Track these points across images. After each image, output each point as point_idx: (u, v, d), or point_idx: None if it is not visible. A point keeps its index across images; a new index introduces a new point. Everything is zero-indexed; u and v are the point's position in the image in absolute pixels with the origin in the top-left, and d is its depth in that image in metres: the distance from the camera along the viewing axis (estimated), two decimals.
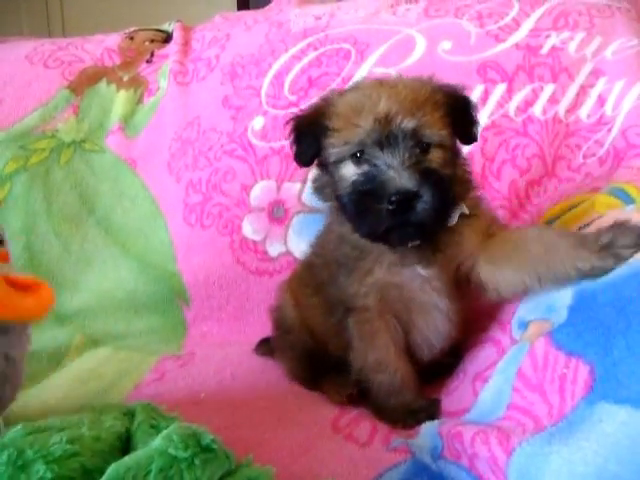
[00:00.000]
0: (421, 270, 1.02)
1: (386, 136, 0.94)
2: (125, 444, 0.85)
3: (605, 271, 0.87)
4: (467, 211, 1.02)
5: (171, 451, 0.71)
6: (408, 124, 0.94)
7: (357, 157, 0.98)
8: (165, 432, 0.76)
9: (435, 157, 0.97)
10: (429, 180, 0.92)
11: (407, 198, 0.90)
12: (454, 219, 1.01)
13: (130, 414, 0.91)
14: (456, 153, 1.06)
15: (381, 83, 1.02)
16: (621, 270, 0.84)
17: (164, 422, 0.87)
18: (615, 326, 0.73)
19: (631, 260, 0.85)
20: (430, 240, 1.00)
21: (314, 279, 1.20)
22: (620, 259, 0.87)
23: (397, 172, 0.91)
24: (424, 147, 0.96)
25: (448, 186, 0.96)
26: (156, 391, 1.26)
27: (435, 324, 1.08)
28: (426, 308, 1.06)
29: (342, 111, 0.99)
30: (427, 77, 1.06)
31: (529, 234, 1.02)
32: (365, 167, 0.96)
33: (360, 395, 1.13)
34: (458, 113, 1.01)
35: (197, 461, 0.71)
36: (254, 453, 0.83)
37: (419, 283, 1.04)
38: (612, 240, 0.89)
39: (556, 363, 0.79)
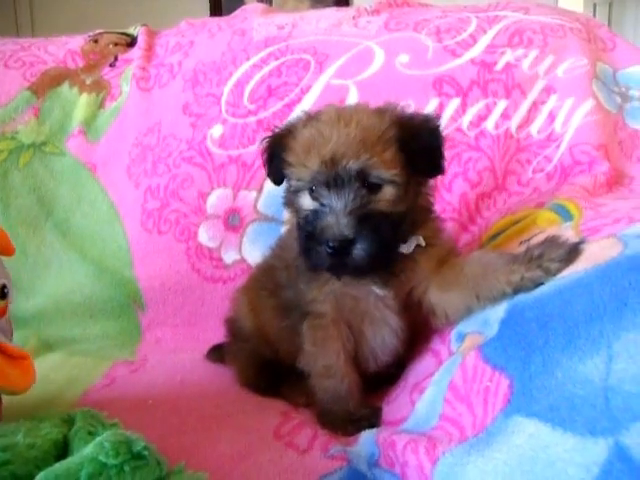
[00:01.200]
0: (376, 289, 1.06)
1: (333, 178, 0.96)
2: (62, 451, 0.85)
3: (535, 283, 0.91)
4: (423, 243, 1.05)
5: (101, 458, 0.73)
6: (353, 166, 0.95)
7: (312, 191, 1.01)
8: (97, 439, 0.77)
9: (385, 196, 0.98)
10: (366, 226, 0.95)
11: (342, 245, 0.94)
12: (410, 248, 1.04)
13: (70, 421, 0.92)
14: (420, 184, 1.06)
15: (338, 117, 1.00)
16: (549, 287, 0.87)
17: (102, 429, 0.88)
18: (535, 342, 0.76)
19: (558, 277, 0.88)
20: (383, 268, 1.02)
21: (272, 281, 1.21)
22: (548, 272, 0.91)
23: (337, 218, 0.95)
24: (373, 187, 0.98)
25: (389, 228, 0.97)
26: (104, 397, 1.26)
27: (383, 338, 1.10)
28: (377, 322, 1.09)
29: (296, 148, 1.01)
30: (391, 107, 1.05)
31: (471, 257, 1.06)
32: (317, 204, 1.00)
33: None
34: (414, 149, 0.99)
35: (127, 468, 0.73)
36: (194, 459, 0.84)
37: (373, 299, 1.07)
38: (541, 253, 0.93)
39: (483, 376, 0.82)
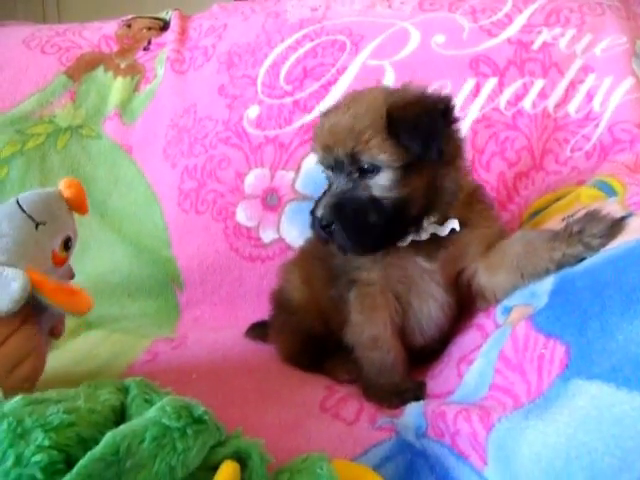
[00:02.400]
0: (422, 262, 1.07)
1: (334, 162, 1.03)
2: (119, 417, 0.87)
3: (576, 258, 0.92)
4: (457, 227, 1.05)
5: (164, 421, 0.74)
6: (342, 152, 1.01)
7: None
8: (159, 404, 0.79)
9: (380, 181, 1.01)
10: (344, 211, 1.01)
11: (322, 225, 1.02)
12: (445, 231, 1.05)
13: (124, 389, 0.93)
14: (435, 167, 1.03)
15: (339, 106, 1.07)
16: (598, 257, 0.88)
17: (157, 397, 0.90)
18: (591, 309, 0.76)
19: (607, 247, 0.88)
20: (373, 249, 1.07)
21: (323, 250, 1.22)
22: (589, 248, 0.91)
23: (321, 202, 1.03)
24: (368, 171, 1.01)
25: (373, 213, 1.00)
26: (149, 371, 1.28)
27: (429, 310, 1.12)
28: (423, 294, 1.11)
29: (314, 135, 1.10)
30: (402, 89, 1.08)
31: (513, 238, 1.06)
32: (328, 183, 1.08)
33: None
34: (400, 133, 0.99)
35: (189, 431, 0.74)
36: (244, 430, 0.86)
37: (419, 271, 1.08)
38: (582, 229, 0.94)
39: (535, 344, 0.82)
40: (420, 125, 0.99)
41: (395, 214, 1.01)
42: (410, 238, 1.05)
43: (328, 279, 1.20)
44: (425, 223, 1.05)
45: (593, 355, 0.69)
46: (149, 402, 0.88)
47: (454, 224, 1.05)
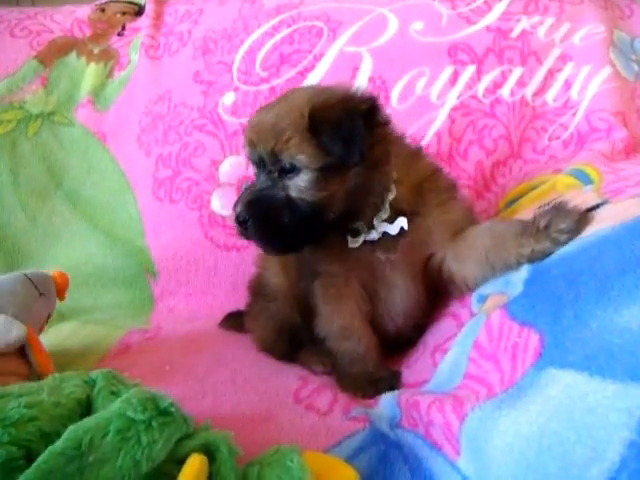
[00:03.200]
0: (381, 254, 1.06)
1: (257, 158, 1.04)
2: (85, 410, 0.85)
3: (545, 254, 0.91)
4: (406, 226, 1.03)
5: (129, 414, 0.72)
6: (263, 150, 1.01)
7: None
8: (124, 396, 0.77)
9: (299, 182, 0.99)
10: (257, 210, 1.01)
11: (239, 222, 1.02)
12: (395, 230, 1.04)
13: (91, 382, 0.91)
14: (367, 168, 1.02)
15: (268, 104, 1.09)
16: (573, 245, 0.87)
17: (125, 389, 0.88)
18: (565, 297, 0.75)
19: (582, 235, 0.87)
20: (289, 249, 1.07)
21: None
22: (557, 243, 0.90)
23: (241, 198, 1.03)
24: (289, 171, 1.00)
25: (286, 214, 1.00)
26: (121, 363, 1.25)
27: (395, 300, 1.11)
28: (388, 284, 1.10)
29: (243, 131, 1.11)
30: (334, 90, 1.06)
31: (481, 229, 1.05)
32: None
33: None
34: (320, 136, 0.97)
35: (155, 423, 0.72)
36: (215, 421, 0.84)
37: (380, 262, 1.07)
38: (549, 224, 0.92)
39: (510, 333, 0.81)
40: (341, 127, 0.96)
41: (311, 216, 1.00)
42: (362, 239, 1.05)
43: (299, 270, 1.19)
44: (375, 222, 1.04)
45: (567, 343, 0.68)
46: (116, 394, 0.86)
47: (402, 222, 1.04)
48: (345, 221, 1.03)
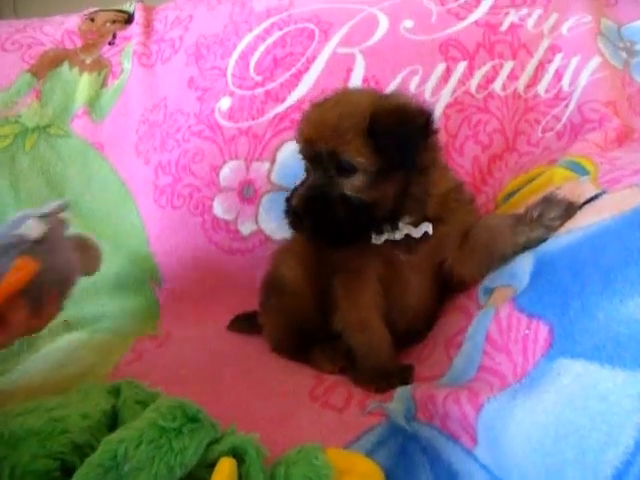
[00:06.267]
0: (401, 255, 1.12)
1: (313, 155, 1.06)
2: (112, 420, 0.88)
3: (540, 240, 0.98)
4: (430, 230, 1.08)
5: (160, 422, 0.75)
6: (323, 148, 1.03)
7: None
8: (153, 405, 0.79)
9: (354, 182, 1.03)
10: (316, 205, 1.04)
11: (295, 215, 1.06)
12: (419, 233, 1.09)
13: (115, 392, 0.94)
14: (408, 174, 1.06)
15: (327, 103, 1.09)
16: (576, 235, 0.90)
17: (149, 397, 0.90)
18: (571, 288, 0.78)
19: (585, 226, 0.90)
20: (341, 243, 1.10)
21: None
22: (551, 229, 0.98)
23: (297, 192, 1.06)
24: (345, 170, 1.03)
25: (342, 211, 1.03)
26: (136, 371, 1.27)
27: (407, 296, 1.16)
28: (404, 283, 1.15)
29: (299, 125, 1.12)
30: (391, 95, 1.11)
31: (478, 226, 1.12)
32: (305, 174, 1.12)
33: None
34: (380, 141, 1.01)
35: (185, 430, 0.75)
36: (236, 424, 0.86)
37: (399, 262, 1.12)
38: (541, 213, 1.00)
39: (519, 325, 0.84)
40: (399, 134, 1.01)
41: (362, 214, 1.04)
42: (384, 237, 1.09)
43: (318, 264, 1.21)
44: (400, 224, 1.09)
45: (576, 334, 0.72)
46: (141, 404, 0.88)
47: (427, 227, 1.09)
48: (387, 220, 1.09)
